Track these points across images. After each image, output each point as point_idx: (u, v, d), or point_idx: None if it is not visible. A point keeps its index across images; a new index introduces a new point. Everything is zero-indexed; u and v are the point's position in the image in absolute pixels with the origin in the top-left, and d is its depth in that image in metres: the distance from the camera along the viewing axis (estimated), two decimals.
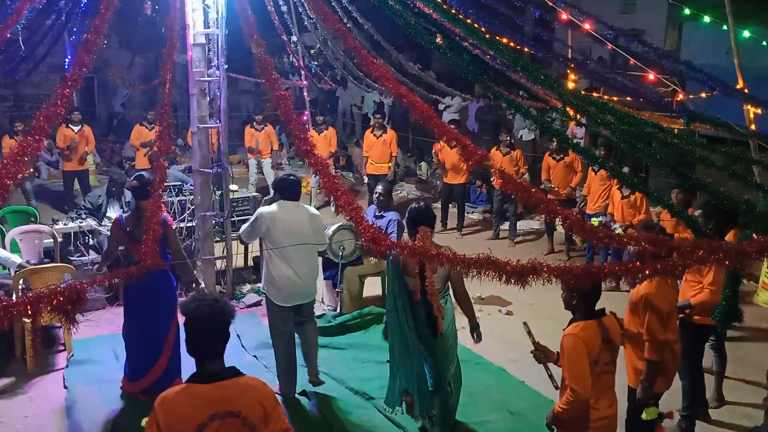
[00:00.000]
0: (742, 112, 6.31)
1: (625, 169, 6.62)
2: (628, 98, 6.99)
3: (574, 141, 9.33)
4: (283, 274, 4.75)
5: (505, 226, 9.21)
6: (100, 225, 6.86)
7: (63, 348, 5.67)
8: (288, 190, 4.89)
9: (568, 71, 8.35)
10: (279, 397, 3.09)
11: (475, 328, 4.41)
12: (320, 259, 6.53)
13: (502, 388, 5.14)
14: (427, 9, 5.33)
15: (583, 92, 7.04)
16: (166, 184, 4.69)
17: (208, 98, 6.36)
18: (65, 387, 5.10)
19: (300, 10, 7.69)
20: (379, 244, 2.94)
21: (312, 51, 13.40)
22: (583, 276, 2.73)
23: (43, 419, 4.71)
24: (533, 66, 5.32)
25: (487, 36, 5.62)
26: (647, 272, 2.58)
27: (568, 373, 3.24)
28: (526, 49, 7.14)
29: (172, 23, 5.16)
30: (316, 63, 12.86)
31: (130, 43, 13.49)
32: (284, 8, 8.06)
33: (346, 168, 12.91)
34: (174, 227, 4.86)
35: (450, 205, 9.58)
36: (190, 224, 6.79)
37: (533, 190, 3.36)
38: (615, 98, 7.17)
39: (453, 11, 5.46)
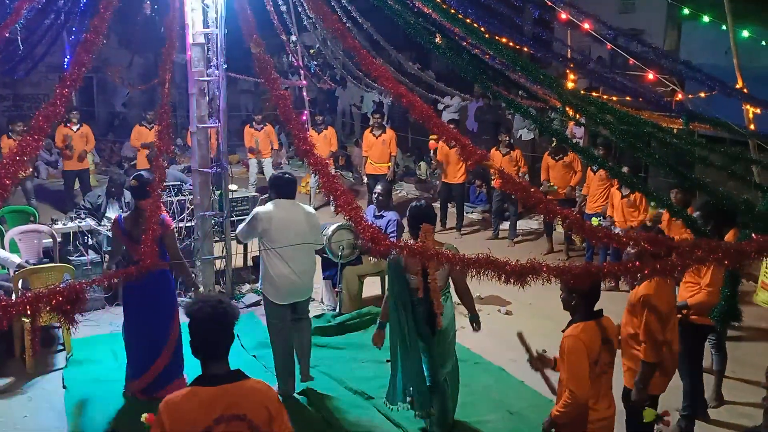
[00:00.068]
0: (741, 111, 6.32)
1: (624, 169, 6.62)
2: (628, 98, 7.00)
3: (574, 141, 9.33)
4: (281, 273, 4.75)
5: (505, 225, 9.21)
6: (100, 225, 6.85)
7: (62, 348, 5.66)
8: (283, 188, 4.89)
9: (568, 71, 8.36)
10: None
11: (474, 319, 4.45)
12: (319, 258, 6.54)
13: (501, 388, 5.14)
14: (426, 9, 5.33)
15: (582, 92, 7.05)
16: (165, 183, 4.69)
17: (207, 98, 6.36)
18: (64, 387, 5.09)
19: (299, 9, 7.69)
20: (379, 244, 2.94)
21: (311, 51, 13.40)
22: (583, 276, 2.73)
23: (42, 419, 4.70)
24: (532, 66, 5.33)
25: (487, 36, 5.62)
26: (646, 272, 2.58)
27: (567, 375, 3.23)
28: (525, 49, 7.15)
29: (171, 23, 5.16)
30: (316, 63, 12.86)
31: (129, 42, 13.49)
32: (283, 8, 8.06)
33: (346, 168, 12.91)
34: (172, 228, 4.84)
35: (449, 204, 9.59)
36: (189, 224, 6.79)
37: (532, 189, 3.36)
38: (614, 98, 7.18)
39: (452, 11, 5.46)
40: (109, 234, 6.56)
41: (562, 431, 3.36)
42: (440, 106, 11.96)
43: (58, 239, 6.58)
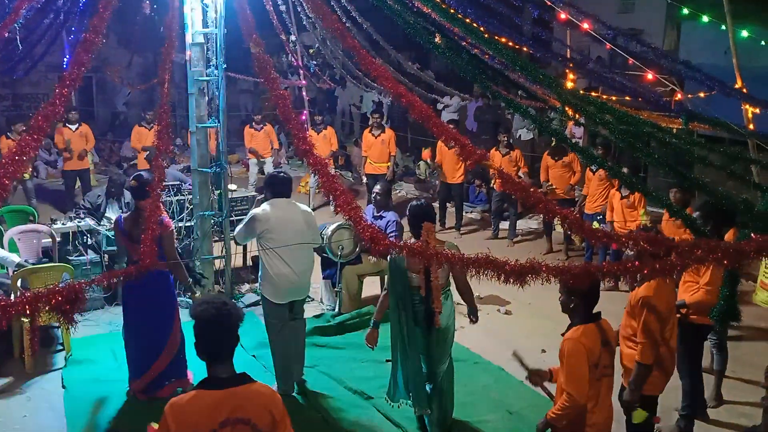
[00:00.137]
0: (740, 111, 6.32)
1: (624, 169, 6.62)
2: (627, 98, 6.99)
3: (573, 141, 9.33)
4: (281, 272, 4.75)
5: (504, 225, 9.21)
6: (99, 225, 6.85)
7: (61, 348, 5.66)
8: (279, 187, 4.90)
9: (567, 71, 8.36)
10: None
11: (472, 312, 4.50)
12: (319, 257, 6.54)
13: (500, 388, 5.15)
14: (425, 8, 5.33)
15: (581, 92, 7.05)
16: (164, 183, 4.68)
17: (206, 98, 6.36)
18: (63, 387, 5.09)
19: (298, 9, 7.69)
20: (378, 244, 2.94)
21: (311, 50, 13.39)
22: (582, 276, 2.73)
23: (41, 419, 4.70)
24: (532, 65, 5.32)
25: (486, 35, 5.61)
26: (646, 272, 2.58)
27: (566, 378, 3.23)
28: (524, 49, 7.15)
29: (170, 22, 5.15)
30: (315, 62, 12.86)
31: (128, 42, 13.48)
32: (283, 7, 8.06)
33: (345, 167, 12.91)
34: (171, 229, 4.81)
35: (448, 204, 9.58)
36: (188, 224, 6.79)
37: (532, 189, 3.36)
38: (614, 98, 7.17)
39: (452, 11, 5.46)
40: (109, 234, 6.58)
41: None
42: (440, 106, 11.97)
43: (58, 239, 6.58)
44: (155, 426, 2.48)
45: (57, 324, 5.75)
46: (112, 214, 7.10)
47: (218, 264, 6.77)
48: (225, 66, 6.37)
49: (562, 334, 3.32)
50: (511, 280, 2.67)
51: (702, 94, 7.34)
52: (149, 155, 9.39)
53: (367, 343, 4.53)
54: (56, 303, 2.52)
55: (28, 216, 7.59)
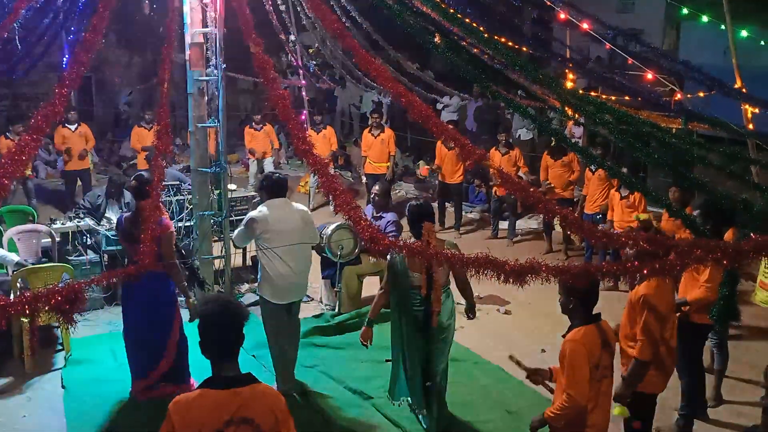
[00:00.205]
0: (739, 111, 6.33)
1: (623, 169, 6.63)
2: (627, 98, 7.00)
3: (573, 140, 9.33)
4: (281, 273, 4.75)
5: (504, 225, 9.21)
6: (99, 225, 6.85)
7: (61, 348, 5.66)
8: (274, 188, 4.90)
9: (567, 71, 8.37)
10: None
11: (470, 309, 4.53)
12: (318, 257, 6.54)
13: (500, 388, 5.14)
14: (425, 8, 5.33)
15: (581, 92, 7.05)
16: (164, 183, 4.67)
17: (206, 97, 6.36)
18: (63, 387, 5.09)
19: (298, 9, 7.69)
20: (378, 244, 2.95)
21: (310, 50, 13.39)
22: (582, 275, 2.74)
23: (41, 419, 4.70)
24: (531, 65, 5.33)
25: (486, 35, 5.62)
26: (645, 272, 2.59)
27: (567, 379, 3.23)
28: (524, 49, 7.15)
29: (170, 22, 5.15)
30: (315, 62, 12.86)
31: (128, 42, 13.47)
32: (282, 7, 8.06)
33: (345, 167, 12.91)
34: (171, 231, 4.76)
35: (447, 204, 9.57)
36: (188, 224, 6.79)
37: (531, 189, 3.37)
38: (613, 98, 7.18)
39: (451, 10, 5.46)
40: (108, 234, 6.57)
41: None
42: (439, 106, 11.96)
43: (57, 239, 6.58)
44: None
45: (57, 324, 5.74)
46: (112, 214, 7.09)
47: (218, 264, 6.77)
48: (224, 66, 6.37)
49: (563, 336, 3.32)
50: (511, 280, 2.68)
51: (701, 94, 7.35)
52: (149, 155, 9.38)
53: (362, 341, 4.55)
54: (56, 303, 2.53)
55: (28, 216, 7.58)
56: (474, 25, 5.78)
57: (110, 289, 6.40)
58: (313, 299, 6.78)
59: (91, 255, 6.67)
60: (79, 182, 9.93)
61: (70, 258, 6.56)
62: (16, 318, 4.78)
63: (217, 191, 6.64)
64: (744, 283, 6.98)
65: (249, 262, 7.34)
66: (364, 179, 10.31)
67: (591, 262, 7.51)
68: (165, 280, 4.82)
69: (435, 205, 9.57)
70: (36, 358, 5.38)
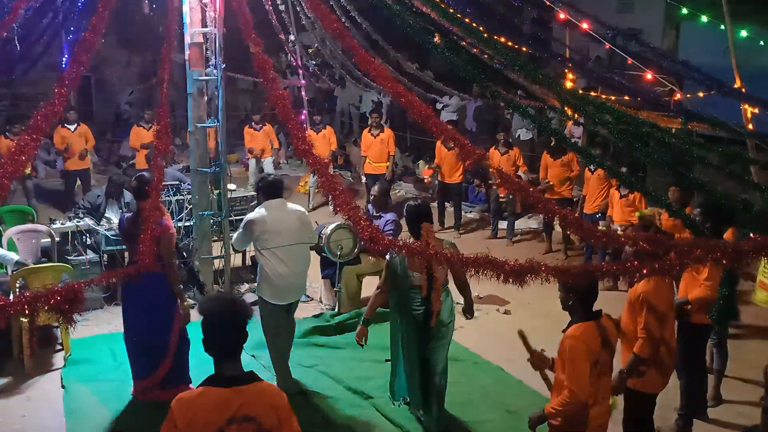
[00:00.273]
0: (739, 111, 6.33)
1: (622, 169, 6.63)
2: (626, 97, 7.00)
3: (572, 140, 9.34)
4: (281, 273, 4.75)
5: (504, 225, 9.21)
6: (98, 225, 6.85)
7: (60, 348, 5.65)
8: (270, 188, 4.91)
9: (566, 70, 8.37)
10: None
11: (468, 310, 4.54)
12: (318, 257, 6.54)
13: (500, 387, 5.14)
14: (425, 8, 5.33)
15: (580, 91, 7.05)
16: (163, 183, 4.67)
17: (205, 97, 6.35)
18: (63, 387, 5.09)
19: (298, 8, 7.69)
20: (378, 244, 2.95)
21: (310, 50, 13.39)
22: (581, 275, 2.74)
23: (40, 419, 4.70)
24: (531, 65, 5.33)
25: (485, 35, 5.62)
26: (645, 272, 2.59)
27: (567, 375, 3.22)
28: (524, 49, 7.16)
29: (169, 22, 5.15)
30: (314, 62, 12.86)
31: (127, 41, 13.47)
32: (282, 7, 8.06)
33: (344, 167, 12.91)
34: (171, 232, 4.74)
35: (447, 203, 9.57)
36: (188, 224, 6.78)
37: (531, 189, 3.37)
38: (613, 97, 7.18)
39: (451, 10, 5.46)
40: (108, 234, 6.57)
41: (561, 431, 3.36)
42: (439, 106, 11.96)
43: (57, 239, 6.57)
44: None
45: (56, 324, 5.74)
46: (112, 214, 7.09)
47: (218, 264, 6.77)
48: (224, 66, 6.37)
49: (563, 331, 3.33)
50: (511, 280, 2.68)
51: (701, 94, 7.35)
52: (149, 153, 9.38)
53: (357, 340, 4.56)
54: (55, 303, 2.53)
55: (27, 216, 7.58)
56: (473, 25, 5.79)
57: (110, 289, 6.39)
58: (312, 299, 6.77)
59: (90, 255, 6.67)
60: (79, 182, 9.93)
61: (69, 258, 6.56)
62: (15, 318, 4.79)
63: (217, 191, 6.64)
64: (744, 283, 6.98)
65: (249, 262, 7.34)
66: (363, 179, 10.31)
67: (590, 262, 7.51)
68: (165, 282, 4.82)
69: (435, 205, 9.60)
70: (35, 358, 5.38)
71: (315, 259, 6.30)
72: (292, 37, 9.72)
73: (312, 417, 4.72)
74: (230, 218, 6.72)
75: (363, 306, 6.41)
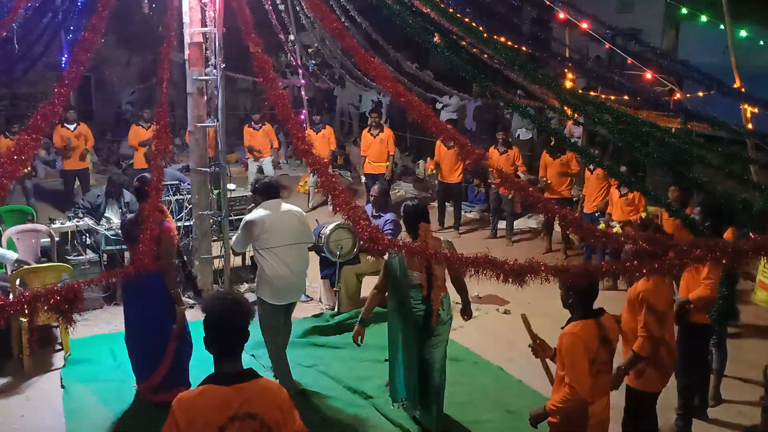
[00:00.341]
0: (739, 111, 6.33)
1: (622, 168, 6.63)
2: (626, 97, 7.00)
3: (572, 140, 9.34)
4: (280, 274, 4.76)
5: (503, 225, 9.21)
6: (98, 225, 6.85)
7: (60, 348, 5.65)
8: (267, 189, 4.93)
9: (566, 70, 8.37)
10: None
11: (466, 311, 4.56)
12: (317, 257, 6.54)
13: (499, 387, 5.14)
14: (425, 8, 5.33)
15: (580, 91, 7.06)
16: (163, 183, 4.66)
17: (205, 97, 6.35)
18: (62, 387, 5.09)
19: (297, 8, 7.69)
20: (378, 243, 2.95)
21: (309, 50, 13.39)
22: (581, 275, 2.74)
23: (40, 419, 4.70)
24: (531, 65, 5.33)
25: (485, 35, 5.62)
26: (644, 271, 2.59)
27: (568, 373, 3.23)
28: (523, 48, 7.16)
29: (169, 22, 5.15)
30: (314, 62, 12.86)
31: (127, 41, 13.47)
32: (282, 7, 8.06)
33: (344, 167, 12.91)
34: (171, 234, 4.70)
35: (446, 203, 9.57)
36: (187, 223, 6.78)
37: (530, 189, 3.37)
38: (612, 97, 7.19)
39: (451, 10, 5.46)
40: (107, 234, 6.57)
41: (561, 428, 3.36)
42: (438, 106, 11.96)
43: (56, 239, 6.57)
44: None
45: (56, 324, 5.74)
46: (112, 213, 7.09)
47: (217, 263, 6.77)
48: (224, 65, 6.37)
49: (562, 328, 3.33)
50: (511, 280, 2.68)
51: (700, 94, 7.35)
52: (147, 151, 9.36)
53: (354, 340, 4.57)
54: (55, 303, 2.53)
55: (27, 215, 7.58)
56: (473, 24, 5.79)
57: (109, 289, 6.39)
58: (312, 299, 6.77)
59: (90, 255, 6.66)
60: (78, 182, 9.93)
61: (69, 258, 6.56)
62: (15, 318, 4.79)
63: (217, 191, 6.64)
64: (744, 282, 6.99)
65: (249, 262, 7.34)
66: (363, 179, 10.30)
67: (590, 262, 7.51)
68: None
69: (435, 204, 9.60)
70: (35, 357, 5.38)
71: (314, 259, 6.30)
72: (291, 37, 9.72)
73: (312, 417, 4.71)
74: (230, 218, 6.72)
75: (362, 306, 6.43)
